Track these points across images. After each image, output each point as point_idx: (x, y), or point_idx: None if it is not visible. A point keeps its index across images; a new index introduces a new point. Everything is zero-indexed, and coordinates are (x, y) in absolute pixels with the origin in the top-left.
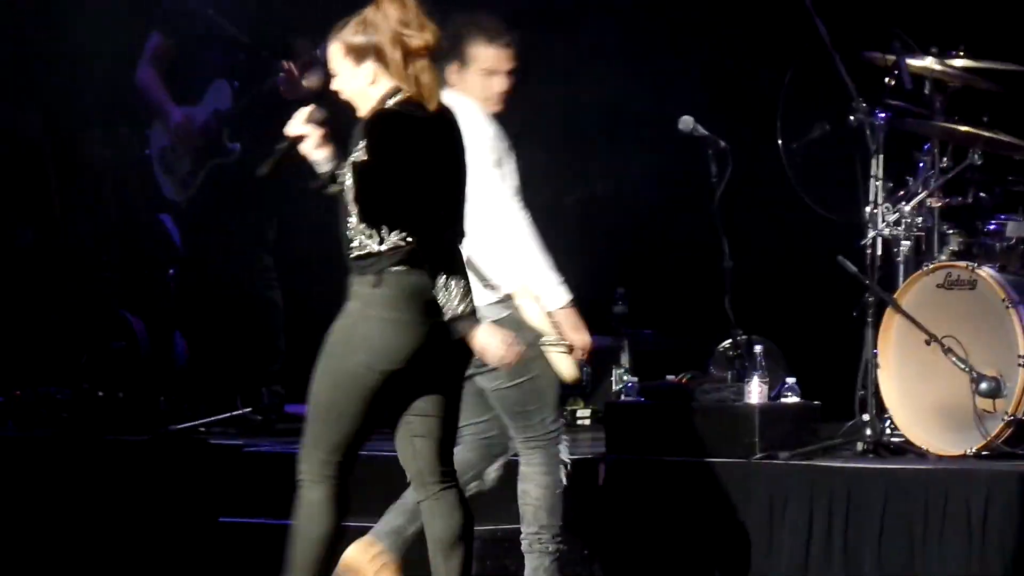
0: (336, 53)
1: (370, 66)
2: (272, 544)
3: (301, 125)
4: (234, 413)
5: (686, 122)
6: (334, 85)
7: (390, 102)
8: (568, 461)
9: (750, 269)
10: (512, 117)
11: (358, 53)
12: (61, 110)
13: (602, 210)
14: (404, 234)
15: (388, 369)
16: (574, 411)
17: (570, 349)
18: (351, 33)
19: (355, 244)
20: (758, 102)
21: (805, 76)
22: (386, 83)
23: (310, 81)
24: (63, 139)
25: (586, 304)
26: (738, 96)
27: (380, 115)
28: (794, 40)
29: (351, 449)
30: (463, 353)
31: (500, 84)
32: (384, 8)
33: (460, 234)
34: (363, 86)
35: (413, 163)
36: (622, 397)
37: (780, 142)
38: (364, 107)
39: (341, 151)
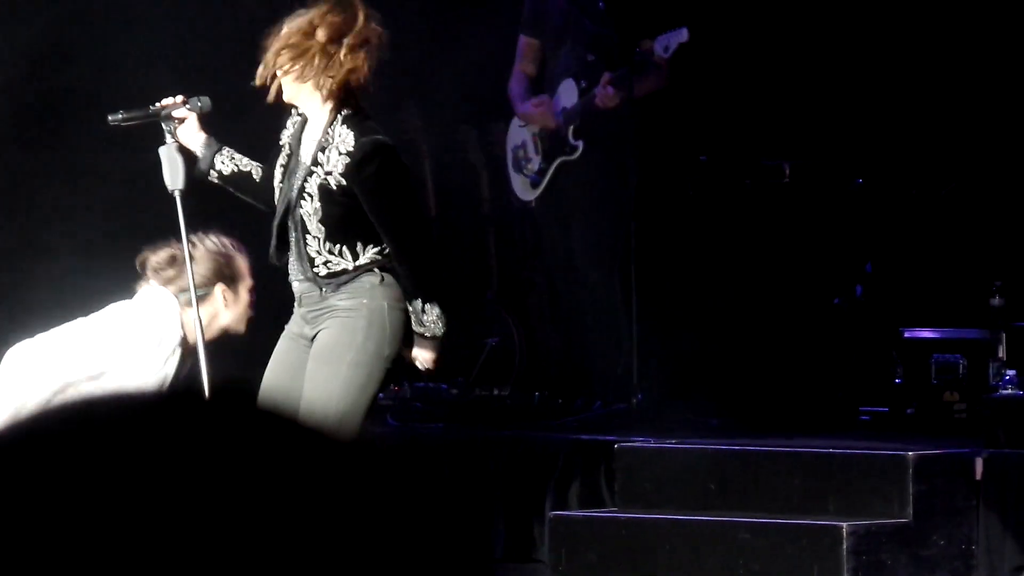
0: (289, 41)
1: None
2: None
3: (180, 104)
4: (611, 408)
5: None
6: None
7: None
8: None
9: None
10: None
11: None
12: (436, 108)
13: (979, 199)
14: (379, 249)
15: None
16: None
17: None
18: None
19: (320, 263)
20: None
21: None
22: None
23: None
24: (439, 137)
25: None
26: None
27: (379, 146)
28: None
29: None
30: None
31: None
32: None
33: None
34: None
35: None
36: (1000, 391)
37: None
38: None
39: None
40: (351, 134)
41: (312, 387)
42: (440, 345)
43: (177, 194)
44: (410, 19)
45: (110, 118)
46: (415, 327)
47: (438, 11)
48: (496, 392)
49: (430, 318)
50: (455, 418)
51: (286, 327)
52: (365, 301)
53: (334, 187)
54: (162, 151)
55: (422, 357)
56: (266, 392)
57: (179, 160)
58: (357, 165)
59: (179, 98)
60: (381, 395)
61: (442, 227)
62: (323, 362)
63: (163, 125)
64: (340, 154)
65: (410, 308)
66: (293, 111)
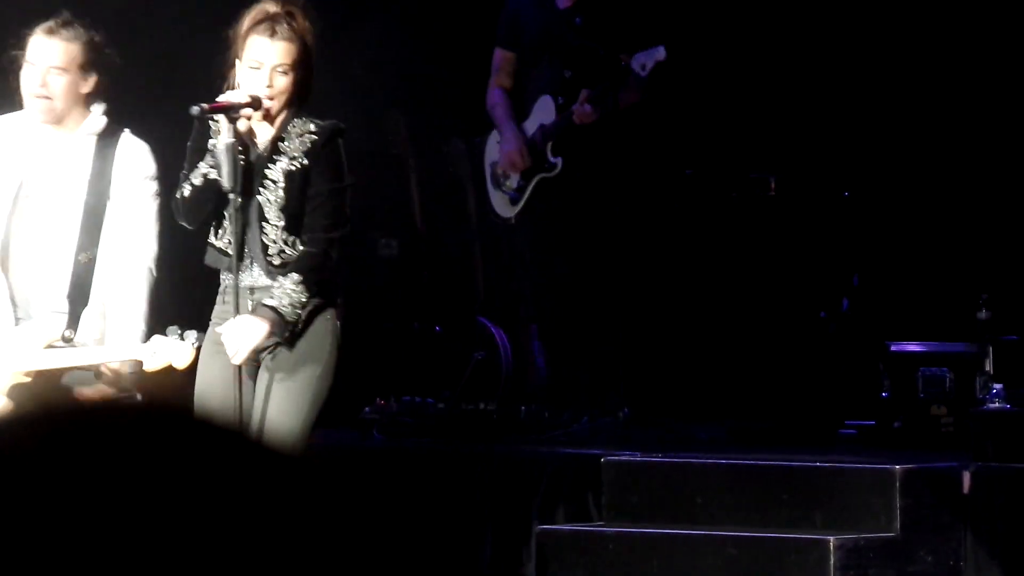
0: (301, 53)
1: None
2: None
3: (247, 102)
4: (598, 422)
5: None
6: (277, 83)
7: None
8: None
9: None
10: None
11: (309, 62)
12: (423, 122)
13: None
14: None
15: None
16: (937, 417)
17: None
18: (310, 39)
19: (275, 252)
20: None
21: None
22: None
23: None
24: (425, 150)
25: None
26: None
27: (340, 129)
28: None
29: None
30: None
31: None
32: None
33: None
34: (291, 94)
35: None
36: (987, 404)
37: None
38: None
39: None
40: (308, 121)
41: (283, 397)
42: (268, 338)
43: (232, 196)
44: (397, 30)
45: (193, 109)
46: (267, 298)
47: (425, 22)
48: (483, 406)
49: (292, 298)
50: (441, 432)
51: (211, 343)
52: (328, 318)
53: (296, 170)
54: (220, 148)
55: (240, 331)
56: (210, 405)
57: (239, 160)
58: (324, 143)
59: (244, 94)
60: (367, 408)
61: (429, 239)
62: (294, 373)
63: (226, 121)
64: (302, 136)
65: (287, 279)
66: (218, 121)
